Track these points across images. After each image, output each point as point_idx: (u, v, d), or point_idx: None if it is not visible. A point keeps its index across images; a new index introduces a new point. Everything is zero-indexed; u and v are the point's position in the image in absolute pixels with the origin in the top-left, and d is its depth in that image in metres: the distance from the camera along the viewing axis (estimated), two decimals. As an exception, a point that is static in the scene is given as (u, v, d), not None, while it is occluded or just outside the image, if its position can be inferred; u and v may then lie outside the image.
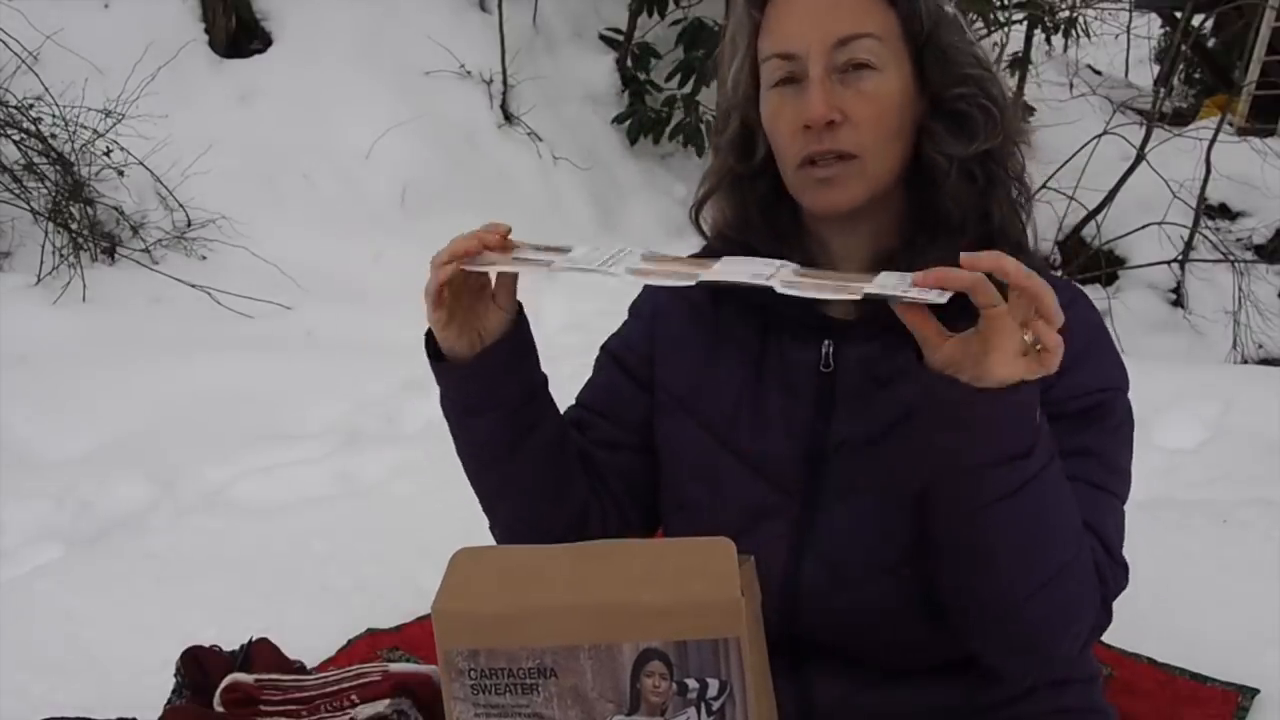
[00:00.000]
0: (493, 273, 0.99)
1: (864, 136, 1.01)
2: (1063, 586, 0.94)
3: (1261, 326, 5.34)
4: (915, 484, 0.97)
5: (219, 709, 1.41)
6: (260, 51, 5.27)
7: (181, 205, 4.41)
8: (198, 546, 2.18)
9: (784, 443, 1.06)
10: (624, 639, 0.82)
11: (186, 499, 2.61)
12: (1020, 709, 1.07)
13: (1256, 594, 1.82)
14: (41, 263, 3.95)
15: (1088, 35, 7.58)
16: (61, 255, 4.01)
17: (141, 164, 4.35)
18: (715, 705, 0.82)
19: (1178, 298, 5.83)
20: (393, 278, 4.08)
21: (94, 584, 2.01)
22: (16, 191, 4.12)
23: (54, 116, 4.21)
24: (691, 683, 0.82)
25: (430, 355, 1.05)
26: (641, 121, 6.02)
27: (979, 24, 6.08)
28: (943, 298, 0.84)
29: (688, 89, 5.93)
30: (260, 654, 1.54)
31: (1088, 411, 1.00)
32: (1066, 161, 5.74)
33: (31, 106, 4.17)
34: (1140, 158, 5.75)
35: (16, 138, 4.15)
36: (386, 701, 1.38)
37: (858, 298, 0.85)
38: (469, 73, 5.51)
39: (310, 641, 1.71)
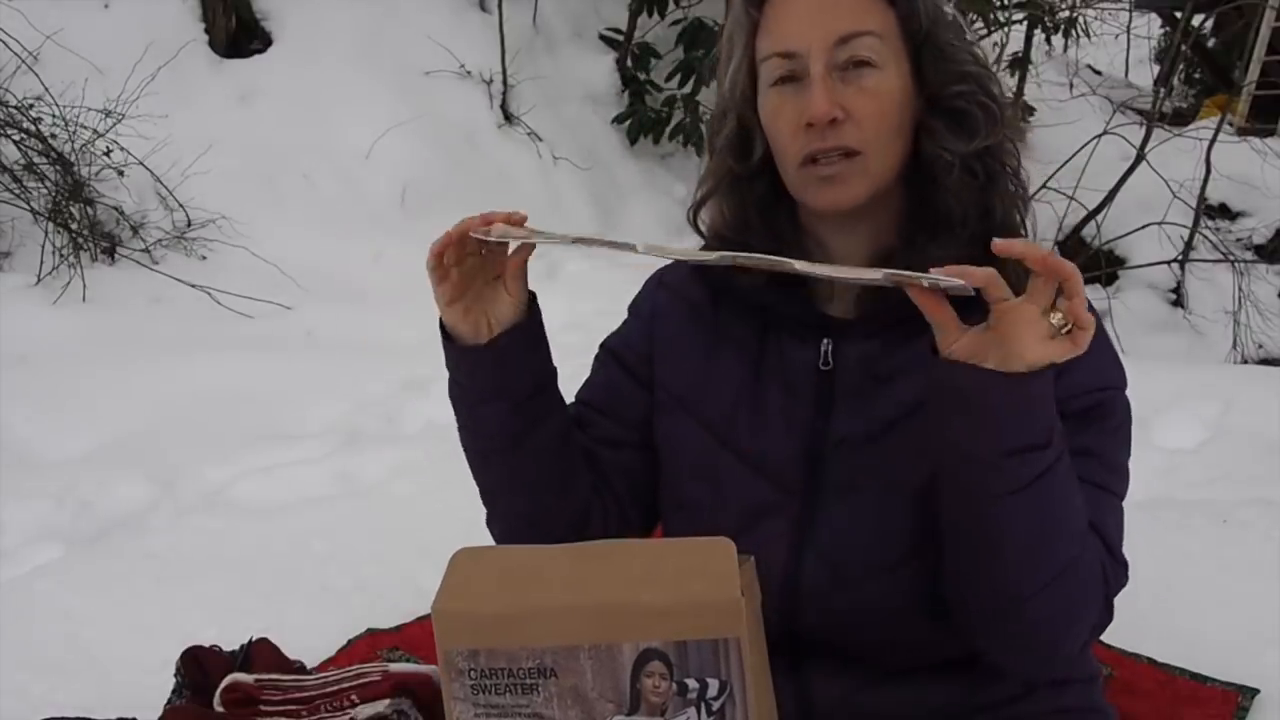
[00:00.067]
0: (512, 242, 1.00)
1: (866, 133, 1.01)
2: (1068, 584, 0.94)
3: (1261, 326, 5.35)
4: (916, 481, 0.97)
5: (219, 709, 1.41)
6: (260, 51, 5.28)
7: (181, 205, 4.41)
8: (198, 546, 2.18)
9: (784, 441, 1.06)
10: (624, 639, 0.82)
11: (186, 499, 2.61)
12: (1020, 708, 1.07)
13: (1256, 594, 1.82)
14: (41, 263, 3.95)
15: (1088, 35, 7.58)
16: (61, 255, 4.01)
17: (141, 164, 4.35)
18: (715, 705, 0.82)
19: (1178, 298, 5.84)
20: (393, 278, 4.09)
21: (94, 584, 2.00)
22: (16, 191, 4.13)
23: (54, 116, 4.21)
24: (691, 683, 0.82)
25: (445, 336, 1.06)
26: (641, 121, 6.02)
27: (979, 24, 6.08)
28: (968, 290, 0.85)
29: (688, 89, 5.93)
30: (260, 654, 1.54)
31: (1088, 411, 1.00)
32: (1066, 161, 5.75)
33: (31, 106, 4.18)
34: (1140, 158, 5.75)
35: (16, 138, 4.16)
36: (386, 701, 1.38)
37: (878, 277, 0.85)
38: (469, 73, 5.51)
39: (310, 641, 1.71)
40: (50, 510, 2.51)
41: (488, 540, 1.13)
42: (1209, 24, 8.03)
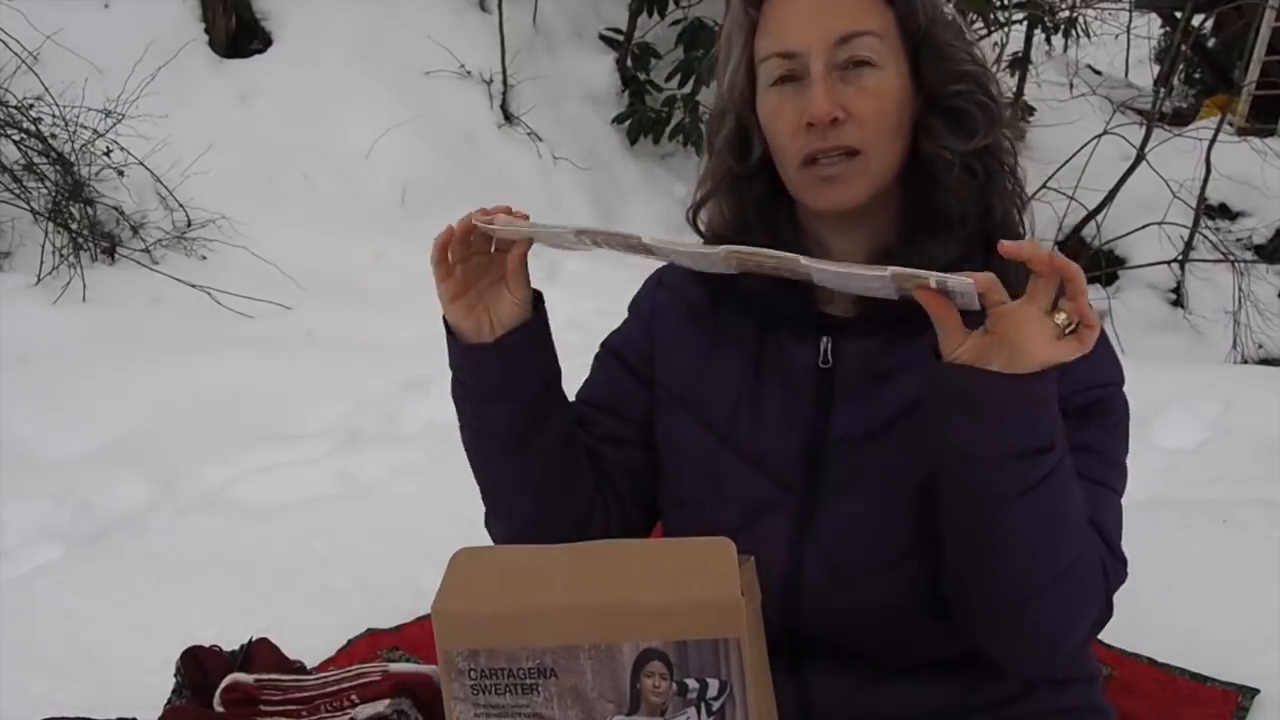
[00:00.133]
0: (511, 235, 1.00)
1: (867, 133, 1.01)
2: (1069, 583, 0.94)
3: (1261, 326, 5.35)
4: (916, 478, 0.98)
5: (219, 709, 1.41)
6: (260, 51, 5.28)
7: (181, 205, 4.41)
8: (198, 546, 2.18)
9: (784, 439, 1.06)
10: (624, 639, 0.82)
11: (186, 499, 2.61)
12: (1020, 708, 1.07)
13: (1256, 594, 1.82)
14: (41, 263, 3.95)
15: (1088, 35, 7.58)
16: (61, 255, 4.01)
17: (141, 164, 4.35)
18: (715, 705, 0.82)
19: (1178, 298, 5.84)
20: (393, 278, 4.09)
21: (94, 584, 2.00)
22: (16, 191, 4.12)
23: (54, 116, 4.21)
24: (691, 683, 0.82)
25: (449, 335, 1.06)
26: (641, 121, 6.02)
27: (979, 24, 6.08)
28: (974, 303, 0.85)
29: (688, 89, 5.93)
30: (260, 654, 1.54)
31: (1088, 408, 1.00)
32: (1066, 161, 5.75)
33: (31, 106, 4.18)
34: (1140, 158, 5.75)
35: (16, 138, 4.15)
36: (386, 701, 1.38)
37: (885, 275, 0.84)
38: (469, 73, 5.51)
39: (310, 641, 1.71)
40: (50, 510, 2.51)
41: (488, 540, 1.13)
42: (1209, 24, 8.03)
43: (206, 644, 1.53)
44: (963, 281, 0.83)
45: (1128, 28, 7.83)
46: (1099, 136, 5.81)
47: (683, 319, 1.14)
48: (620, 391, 1.16)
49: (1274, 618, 1.73)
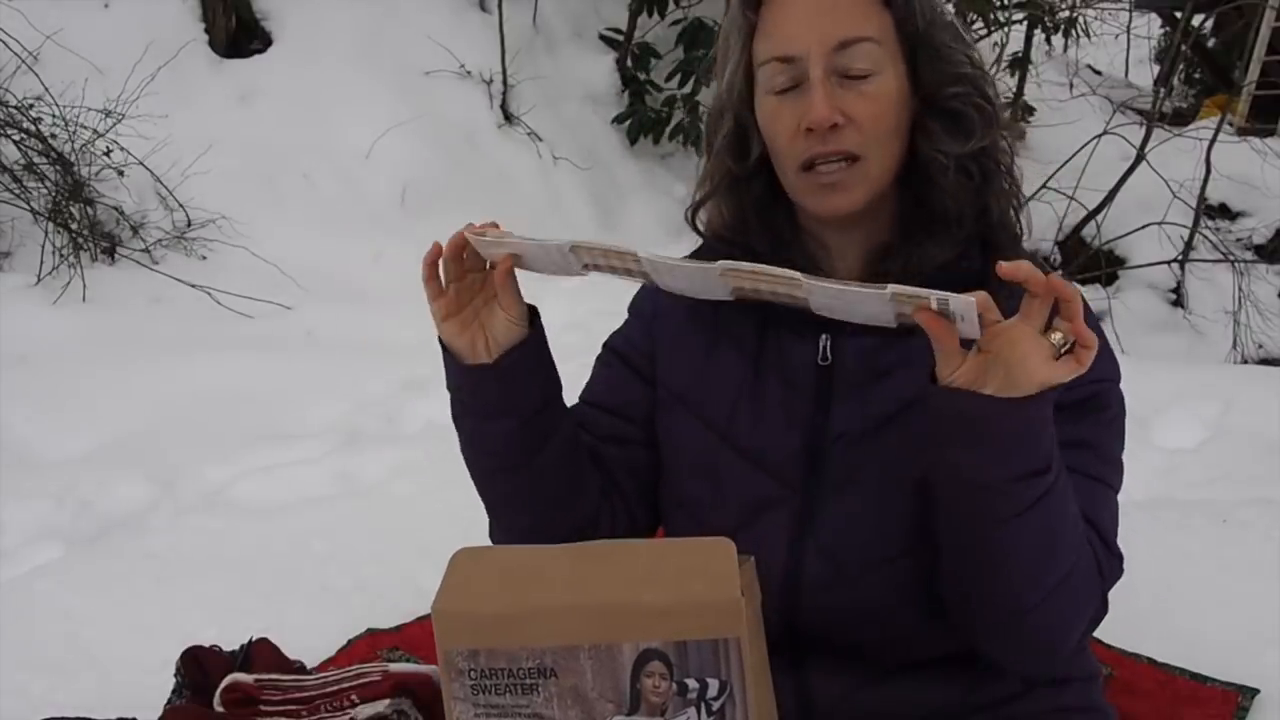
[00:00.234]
0: (501, 251, 0.98)
1: (866, 137, 1.01)
2: (1067, 592, 0.95)
3: (1261, 326, 5.35)
4: (915, 474, 0.98)
5: (219, 709, 1.41)
6: (260, 51, 5.28)
7: (181, 205, 4.41)
8: (198, 546, 2.18)
9: (784, 436, 1.06)
10: (624, 639, 0.82)
11: (186, 499, 2.61)
12: (1019, 707, 1.08)
13: (1256, 594, 1.82)
14: (41, 263, 3.95)
15: (1088, 35, 7.58)
16: (61, 255, 4.01)
17: (141, 164, 4.35)
18: (715, 705, 0.82)
19: (1178, 298, 5.84)
20: (393, 278, 4.09)
21: (94, 584, 2.00)
22: (16, 191, 4.13)
23: (54, 116, 4.21)
24: (691, 683, 0.82)
25: (447, 355, 1.05)
26: (641, 121, 6.02)
27: (979, 24, 6.08)
28: (976, 330, 0.84)
29: (688, 89, 5.93)
30: (260, 654, 1.54)
31: (1084, 403, 1.00)
32: (1066, 161, 5.75)
33: (31, 106, 4.18)
34: (1140, 158, 5.75)
35: (16, 138, 4.16)
36: (386, 701, 1.38)
37: (885, 294, 0.84)
38: (469, 73, 5.51)
39: (310, 641, 1.71)
40: (50, 510, 2.51)
41: (487, 540, 1.13)
42: (1209, 24, 8.03)
43: (206, 644, 1.53)
44: (963, 301, 0.82)
45: (1128, 28, 7.83)
46: (1099, 136, 5.81)
47: (683, 318, 1.14)
48: (623, 392, 1.16)
49: (1274, 618, 1.73)
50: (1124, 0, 7.33)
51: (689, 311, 1.14)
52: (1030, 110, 6.79)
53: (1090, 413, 1.01)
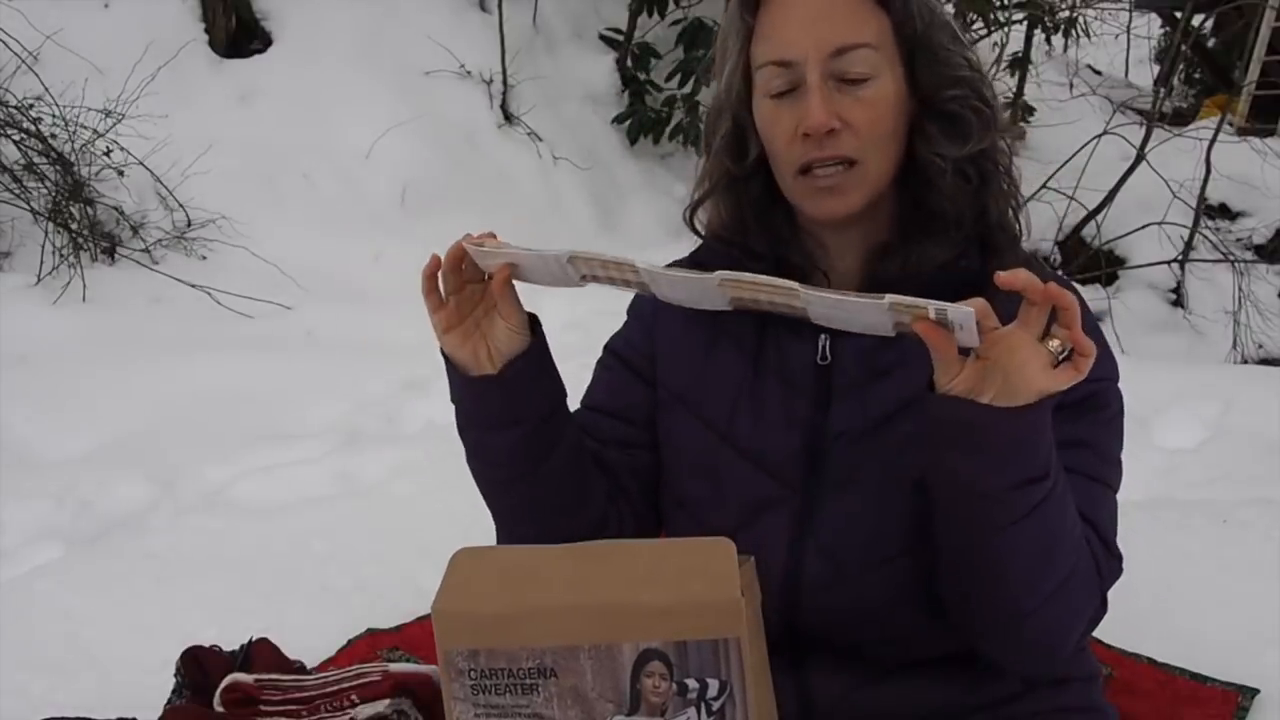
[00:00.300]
0: (498, 261, 0.98)
1: (863, 141, 1.01)
2: (1067, 594, 0.95)
3: (1261, 326, 5.35)
4: (914, 473, 0.98)
5: (219, 709, 1.41)
6: (260, 51, 5.28)
7: (181, 205, 4.41)
8: (198, 546, 2.18)
9: (783, 436, 1.06)
10: (624, 639, 0.82)
11: (186, 499, 2.61)
12: (1019, 707, 1.08)
13: (1256, 594, 1.82)
14: (41, 263, 3.95)
15: (1088, 35, 7.58)
16: (61, 255, 4.01)
17: (141, 164, 4.35)
18: (715, 705, 0.82)
19: (1178, 298, 5.84)
20: (393, 278, 4.09)
21: (94, 584, 2.00)
22: (16, 191, 4.13)
23: (54, 116, 4.21)
24: (691, 683, 0.82)
25: (450, 367, 1.04)
26: (641, 121, 6.02)
27: (979, 24, 6.08)
28: (975, 339, 0.84)
29: (688, 89, 5.93)
30: (260, 654, 1.53)
31: (1083, 402, 1.00)
32: (1066, 161, 5.75)
33: (31, 106, 4.18)
34: (1140, 158, 5.75)
35: (16, 138, 4.16)
36: (386, 701, 1.38)
37: (883, 304, 0.83)
38: (469, 73, 5.51)
39: (310, 641, 1.71)
40: (50, 510, 2.51)
41: (488, 540, 1.13)
42: (1209, 24, 8.03)
43: (206, 644, 1.53)
44: (962, 311, 0.82)
45: (1128, 28, 7.83)
46: (1099, 136, 5.81)
47: (683, 319, 1.14)
48: (624, 394, 1.16)
49: (1274, 618, 1.73)
50: (1124, 0, 7.33)
51: (688, 312, 1.14)
52: (1030, 110, 6.79)
53: (1089, 412, 1.01)
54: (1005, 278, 0.84)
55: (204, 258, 4.32)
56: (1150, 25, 8.83)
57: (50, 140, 4.22)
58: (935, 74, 1.03)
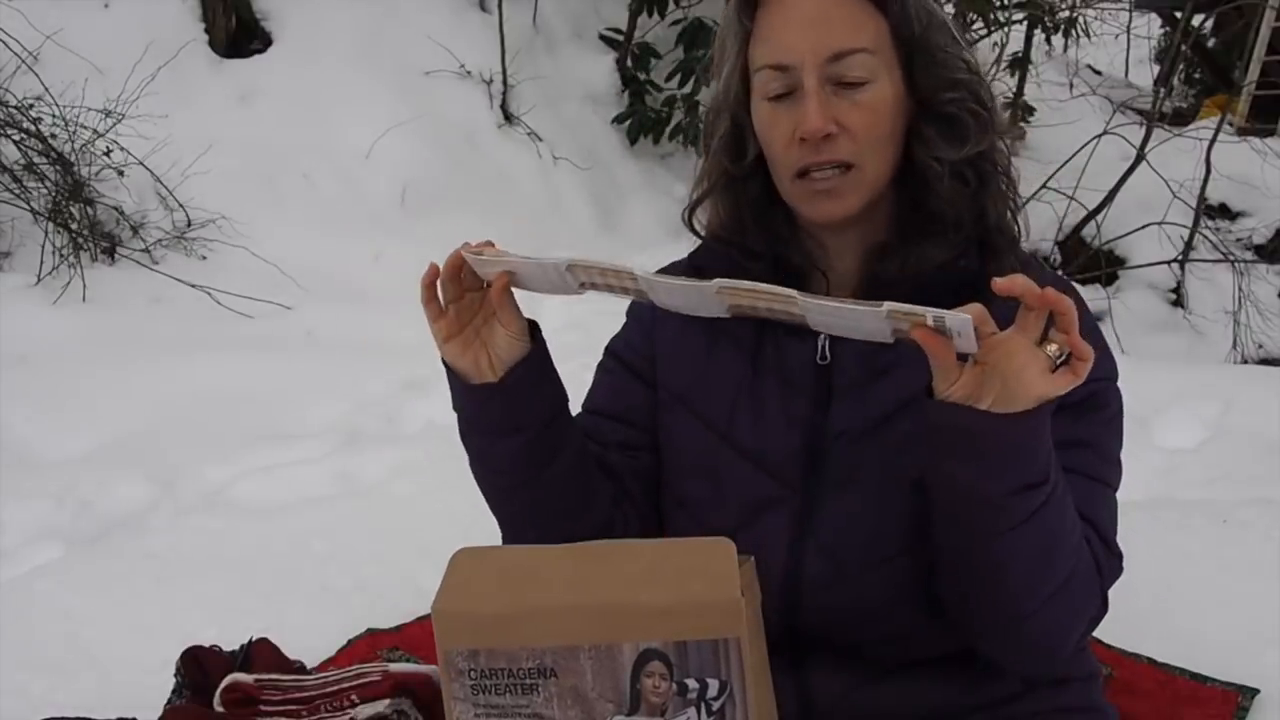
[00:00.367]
0: (497, 269, 0.98)
1: (860, 145, 1.01)
2: (1066, 596, 0.95)
3: (1261, 326, 5.35)
4: (914, 472, 0.98)
5: (219, 709, 1.41)
6: (260, 51, 5.28)
7: (181, 205, 4.41)
8: (198, 546, 2.18)
9: (783, 436, 1.06)
10: (624, 639, 0.82)
11: (186, 499, 2.61)
12: (1019, 707, 1.08)
13: (1256, 594, 1.82)
14: (41, 263, 3.95)
15: (1088, 35, 7.58)
16: (61, 255, 4.01)
17: (141, 164, 4.35)
18: (715, 705, 0.82)
19: (1178, 298, 5.84)
20: (393, 278, 4.09)
21: (94, 584, 2.00)
22: (16, 191, 4.13)
23: (54, 116, 4.21)
24: (691, 683, 0.82)
25: (451, 376, 1.04)
26: (641, 121, 6.02)
27: (979, 24, 6.08)
28: (974, 345, 0.84)
29: (688, 89, 5.93)
30: (260, 654, 1.53)
31: (1083, 402, 1.00)
32: (1066, 161, 5.75)
33: (31, 106, 4.18)
34: (1140, 158, 5.75)
35: (16, 138, 4.16)
36: (386, 701, 1.38)
37: (881, 311, 0.83)
38: (469, 73, 5.51)
39: (310, 641, 1.71)
40: (50, 510, 2.51)
41: (488, 540, 1.13)
42: (1209, 24, 8.03)
43: (206, 644, 1.53)
44: (960, 319, 0.82)
45: (1128, 28, 7.83)
46: (1099, 136, 5.81)
47: (682, 319, 1.14)
48: (625, 397, 1.16)
49: (1274, 618, 1.73)
50: (1124, 0, 7.33)
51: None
52: (1030, 110, 6.79)
53: (1089, 412, 1.01)
54: (1002, 284, 0.84)
55: (204, 258, 4.32)
56: (1150, 25, 8.83)
57: (50, 140, 4.22)
58: (933, 76, 1.03)
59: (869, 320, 0.86)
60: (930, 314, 0.83)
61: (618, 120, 6.06)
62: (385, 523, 2.27)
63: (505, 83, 5.62)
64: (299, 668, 1.57)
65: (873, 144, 1.01)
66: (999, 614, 0.96)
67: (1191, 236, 5.78)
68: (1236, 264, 5.56)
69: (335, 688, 1.43)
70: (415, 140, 5.05)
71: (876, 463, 1.03)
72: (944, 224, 1.03)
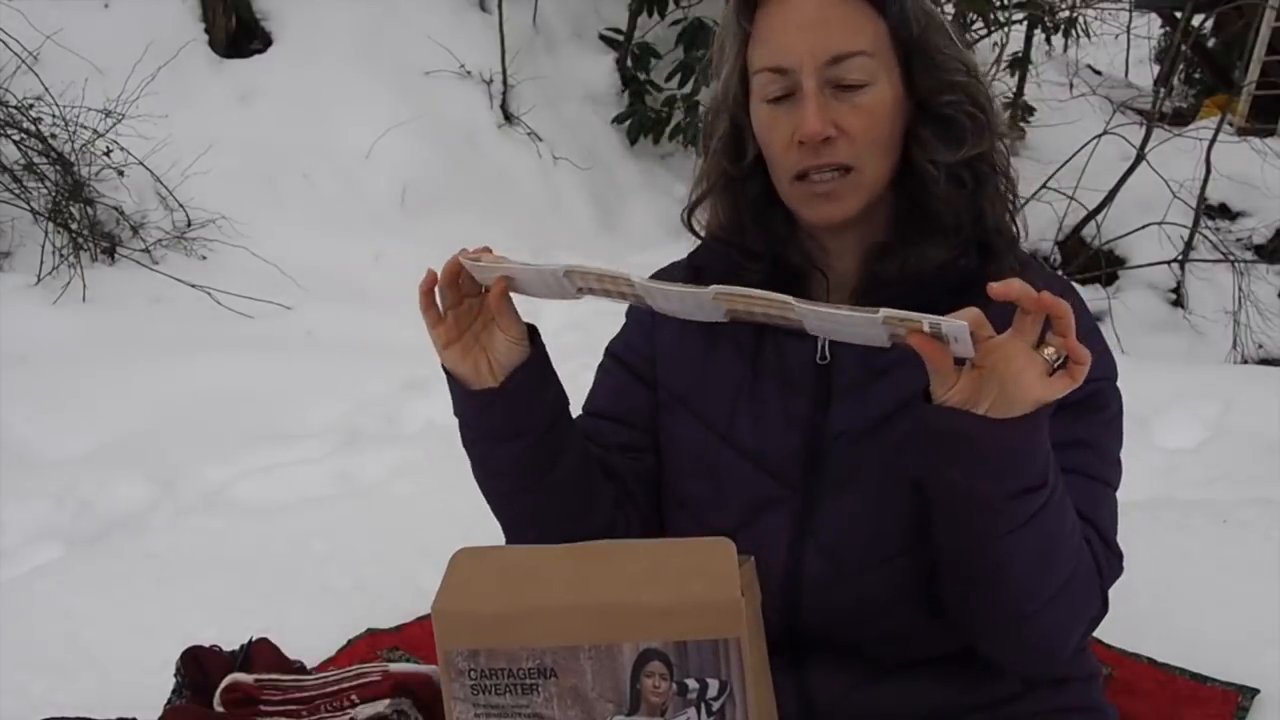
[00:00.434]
0: (495, 275, 0.98)
1: (859, 148, 1.01)
2: (1066, 597, 0.95)
3: (1261, 326, 5.35)
4: (912, 473, 0.98)
5: (219, 709, 1.41)
6: (260, 51, 5.28)
7: (181, 205, 4.41)
8: (198, 546, 2.18)
9: (783, 436, 1.06)
10: (624, 639, 0.82)
11: (186, 499, 2.61)
12: (1019, 707, 1.08)
13: (1256, 594, 1.82)
14: (41, 263, 3.95)
15: (1088, 35, 7.58)
16: (61, 255, 4.01)
17: (141, 164, 4.35)
18: (715, 705, 0.82)
19: (1178, 298, 5.84)
20: (393, 278, 4.09)
21: (94, 584, 2.00)
22: (16, 191, 4.13)
23: (54, 116, 4.21)
24: (691, 683, 0.82)
25: (452, 382, 1.04)
26: (641, 121, 6.03)
27: (979, 24, 6.08)
28: (971, 350, 0.84)
29: (688, 89, 5.93)
30: (260, 654, 1.53)
31: (1083, 402, 1.00)
32: (1066, 161, 5.75)
33: (31, 106, 4.18)
34: (1140, 158, 5.75)
35: (16, 138, 4.16)
36: (386, 701, 1.38)
37: (877, 318, 0.83)
38: (469, 73, 5.51)
39: (310, 641, 1.71)
40: (50, 510, 2.51)
41: (488, 540, 1.13)
42: (1209, 24, 8.04)
43: (206, 644, 1.53)
44: (956, 325, 0.82)
45: (1128, 28, 7.83)
46: (1099, 136, 5.81)
47: (681, 320, 1.14)
48: (626, 398, 1.16)
49: (1274, 618, 1.73)
50: (1124, 0, 7.33)
51: (687, 312, 1.14)
52: (1030, 110, 6.79)
53: (1089, 412, 1.01)
54: (998, 289, 0.83)
55: (204, 258, 4.32)
56: (1150, 25, 8.83)
57: (50, 140, 4.22)
58: (932, 78, 1.03)
59: (865, 326, 0.86)
60: (926, 320, 0.83)
61: (618, 120, 6.06)
62: (385, 523, 2.27)
63: (505, 83, 5.62)
64: (299, 668, 1.57)
65: (872, 147, 1.01)
66: (999, 615, 0.96)
67: (1191, 236, 5.78)
68: (1236, 264, 5.56)
69: (335, 688, 1.43)
70: (415, 140, 5.05)
71: (876, 463, 1.03)
72: (942, 225, 1.03)
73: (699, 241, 1.16)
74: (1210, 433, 2.71)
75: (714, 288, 0.90)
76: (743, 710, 0.82)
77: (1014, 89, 6.74)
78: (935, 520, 0.96)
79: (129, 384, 3.24)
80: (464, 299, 1.00)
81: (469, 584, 0.85)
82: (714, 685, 0.82)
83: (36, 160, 4.19)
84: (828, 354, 1.06)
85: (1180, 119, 7.60)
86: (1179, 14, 7.27)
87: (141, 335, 3.69)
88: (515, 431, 1.03)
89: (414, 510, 2.31)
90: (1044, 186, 5.54)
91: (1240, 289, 5.40)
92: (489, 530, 1.13)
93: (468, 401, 1.03)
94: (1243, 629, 1.72)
